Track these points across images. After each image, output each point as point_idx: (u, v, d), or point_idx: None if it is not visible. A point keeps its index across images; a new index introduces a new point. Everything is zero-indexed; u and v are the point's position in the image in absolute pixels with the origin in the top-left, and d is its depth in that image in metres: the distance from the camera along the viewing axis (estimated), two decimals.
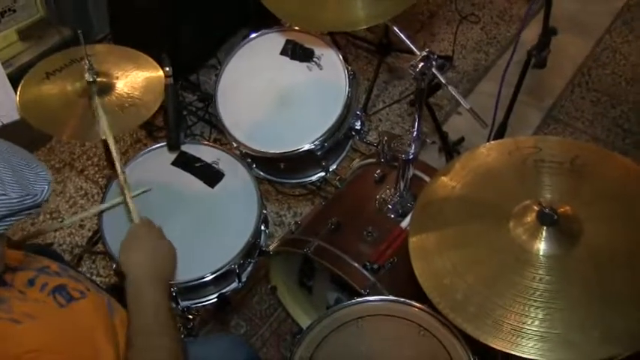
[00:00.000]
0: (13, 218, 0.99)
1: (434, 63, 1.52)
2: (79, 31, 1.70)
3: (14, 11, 2.93)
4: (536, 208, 1.34)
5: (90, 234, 2.56)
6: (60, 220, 2.67)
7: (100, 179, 2.79)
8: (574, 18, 3.60)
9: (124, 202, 1.63)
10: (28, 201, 0.99)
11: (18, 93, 1.74)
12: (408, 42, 1.59)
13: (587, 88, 3.23)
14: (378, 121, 2.96)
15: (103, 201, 1.76)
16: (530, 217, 1.34)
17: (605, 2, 3.72)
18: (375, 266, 1.71)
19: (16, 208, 0.98)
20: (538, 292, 1.27)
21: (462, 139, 2.73)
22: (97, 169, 2.83)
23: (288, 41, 1.85)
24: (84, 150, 2.91)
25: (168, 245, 1.46)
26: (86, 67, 1.73)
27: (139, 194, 1.69)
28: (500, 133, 2.16)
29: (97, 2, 3.12)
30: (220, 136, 2.68)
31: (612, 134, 3.01)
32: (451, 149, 2.65)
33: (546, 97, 3.17)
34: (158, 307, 1.30)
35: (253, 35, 1.93)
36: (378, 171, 1.94)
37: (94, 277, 2.47)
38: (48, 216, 2.69)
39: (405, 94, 3.07)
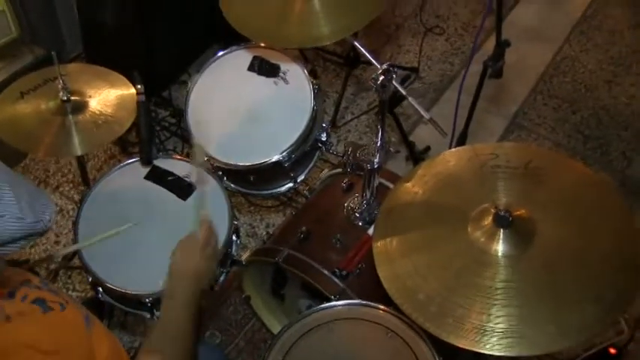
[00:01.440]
0: (24, 241, 1.04)
1: (394, 76, 1.58)
2: (52, 52, 1.75)
3: None
4: (492, 211, 1.41)
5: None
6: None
7: (75, 195, 2.82)
8: (535, 28, 3.72)
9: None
10: (39, 226, 1.04)
11: None
12: (369, 56, 1.66)
13: (549, 96, 3.33)
14: (347, 132, 3.03)
15: (77, 217, 1.80)
16: (487, 220, 1.41)
17: (563, 13, 3.85)
18: (344, 273, 1.78)
19: (29, 232, 1.03)
20: (497, 292, 1.34)
21: (428, 148, 2.82)
22: (71, 185, 2.86)
23: (255, 57, 1.92)
24: (58, 167, 2.94)
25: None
26: (60, 86, 1.79)
27: (122, 230, 1.74)
28: (461, 141, 2.24)
29: (70, 21, 3.14)
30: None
31: (573, 139, 3.12)
32: (417, 158, 2.72)
33: (510, 104, 3.27)
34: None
35: (221, 53, 1.99)
36: (346, 180, 2.00)
37: (70, 292, 2.50)
38: None
39: (373, 105, 3.14)
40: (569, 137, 3.13)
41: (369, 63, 3.19)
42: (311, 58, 3.25)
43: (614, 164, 3.02)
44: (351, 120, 3.07)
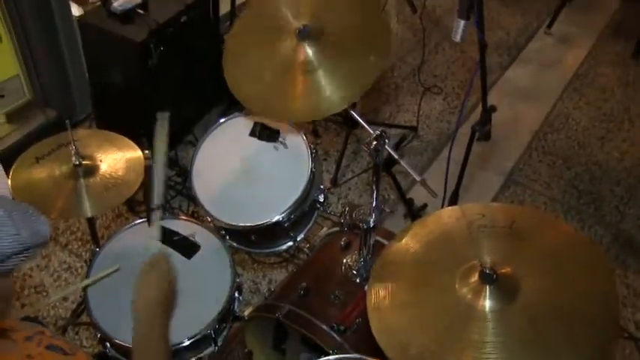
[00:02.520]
0: (26, 253, 1.13)
1: (387, 141, 1.69)
2: (66, 120, 1.87)
3: (3, 96, 3.09)
4: (478, 268, 1.49)
5: (73, 306, 2.66)
6: (45, 294, 2.77)
7: (83, 253, 2.91)
8: (529, 87, 3.86)
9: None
10: (38, 240, 1.14)
11: (10, 176, 1.90)
12: (364, 124, 1.79)
13: (544, 152, 3.44)
14: (348, 189, 3.13)
15: (88, 275, 1.89)
16: (474, 277, 1.49)
17: (556, 72, 4.00)
18: (342, 327, 1.85)
19: (28, 244, 1.12)
20: (485, 346, 1.40)
21: (425, 206, 2.91)
22: (80, 243, 2.95)
23: (256, 123, 2.04)
24: (67, 225, 3.03)
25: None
26: (73, 151, 1.90)
27: (109, 274, 1.84)
28: (453, 200, 2.34)
29: (80, 84, 3.29)
30: (197, 208, 2.83)
31: (568, 195, 3.21)
32: (415, 215, 2.82)
33: (506, 161, 3.38)
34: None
35: (224, 119, 2.11)
36: (344, 239, 2.09)
37: None
38: (33, 290, 2.79)
39: (373, 163, 3.24)
40: (563, 192, 3.22)
41: (367, 122, 3.37)
42: None
43: (607, 219, 3.10)
44: (352, 178, 3.18)
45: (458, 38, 1.73)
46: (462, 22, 1.71)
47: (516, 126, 3.58)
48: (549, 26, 4.32)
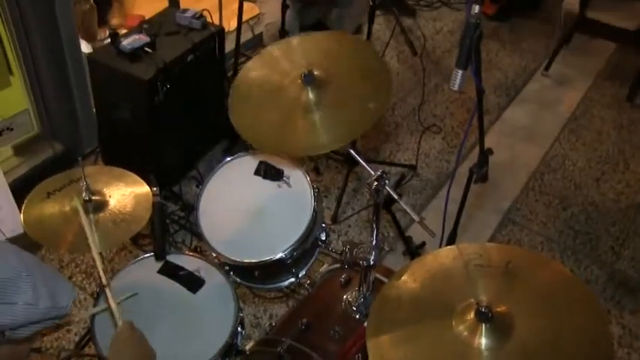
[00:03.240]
0: (38, 325, 1.16)
1: (387, 182, 1.75)
2: (79, 158, 1.94)
3: (12, 130, 3.16)
4: (475, 307, 1.55)
5: (77, 338, 2.70)
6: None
7: (87, 286, 2.95)
8: (527, 128, 3.94)
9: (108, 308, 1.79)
10: (54, 312, 1.16)
11: (22, 211, 1.95)
12: (364, 164, 1.85)
13: (541, 192, 3.50)
14: (348, 227, 3.19)
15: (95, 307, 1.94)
16: (470, 316, 1.54)
17: (554, 113, 4.08)
18: None
19: (41, 317, 1.14)
20: None
21: (423, 244, 2.96)
22: (84, 275, 3.00)
23: (260, 162, 2.11)
24: (72, 258, 3.07)
25: (149, 349, 1.62)
26: (83, 187, 1.96)
27: (126, 298, 1.89)
28: (451, 240, 2.39)
29: (87, 119, 3.36)
30: (201, 242, 2.88)
31: (564, 235, 3.26)
32: (414, 253, 2.87)
33: (503, 201, 3.44)
34: None
35: (229, 158, 2.19)
36: (344, 275, 2.14)
37: None
38: None
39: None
40: (560, 232, 3.28)
41: (370, 161, 3.45)
42: (315, 156, 3.45)
43: (603, 258, 3.15)
44: (352, 215, 3.23)
45: (456, 87, 1.80)
46: (460, 72, 1.78)
47: (514, 166, 3.65)
48: (547, 68, 4.42)
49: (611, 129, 3.97)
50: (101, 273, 1.78)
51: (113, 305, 1.76)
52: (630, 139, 3.89)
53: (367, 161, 3.33)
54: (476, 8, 1.66)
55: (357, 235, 3.13)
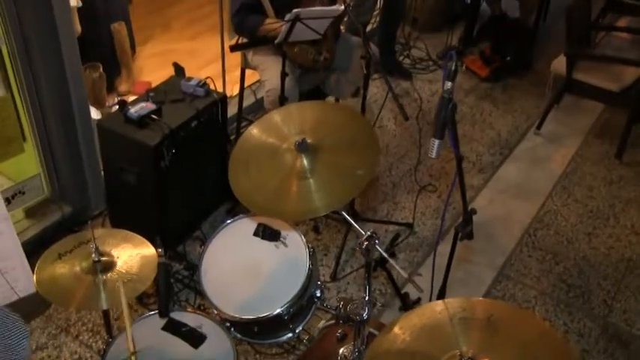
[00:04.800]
0: None
1: (377, 241, 1.88)
2: (88, 221, 2.07)
3: (23, 193, 3.30)
4: (458, 358, 1.65)
5: None
6: None
7: (93, 344, 3.04)
8: (520, 185, 4.07)
9: None
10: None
11: (35, 271, 2.08)
12: (356, 225, 1.97)
13: (534, 247, 3.60)
14: (347, 284, 3.28)
15: None
16: None
17: (546, 170, 4.22)
18: None
19: None
20: None
21: (419, 299, 3.05)
22: (91, 334, 3.08)
23: (259, 224, 2.24)
24: (79, 317, 3.16)
25: None
26: (93, 249, 2.09)
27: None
28: (441, 294, 2.50)
29: (96, 183, 3.49)
30: (204, 301, 2.99)
31: (557, 289, 3.35)
32: (409, 308, 2.96)
33: (498, 256, 3.53)
34: None
35: (230, 221, 2.32)
36: (340, 331, 2.24)
37: None
38: None
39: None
40: (553, 286, 3.36)
41: (367, 220, 3.58)
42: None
43: (595, 312, 3.23)
44: (350, 273, 3.32)
45: (434, 155, 1.94)
46: (437, 142, 1.92)
47: (508, 222, 3.77)
48: (539, 127, 4.58)
49: (601, 185, 4.09)
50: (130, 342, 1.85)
51: None
52: (620, 195, 4.01)
53: (365, 220, 3.54)
54: (448, 84, 1.81)
55: (356, 291, 3.22)
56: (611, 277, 3.43)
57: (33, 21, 2.88)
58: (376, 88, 4.71)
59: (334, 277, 3.26)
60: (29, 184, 3.31)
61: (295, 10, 2.91)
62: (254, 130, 2.23)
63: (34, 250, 2.48)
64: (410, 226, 3.64)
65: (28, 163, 3.28)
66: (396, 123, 4.46)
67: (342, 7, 3.15)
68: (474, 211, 2.20)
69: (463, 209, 2.17)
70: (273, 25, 3.24)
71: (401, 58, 5.34)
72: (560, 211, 3.87)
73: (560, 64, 4.37)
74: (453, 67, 1.78)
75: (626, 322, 3.18)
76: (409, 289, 3.14)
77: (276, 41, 3.09)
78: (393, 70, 5.04)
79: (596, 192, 4.04)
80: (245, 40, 3.47)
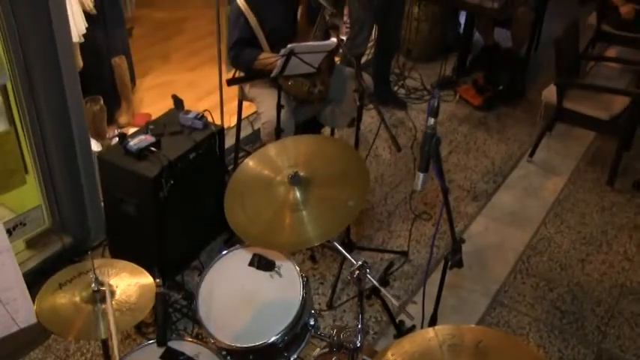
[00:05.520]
0: None
1: (368, 270, 1.94)
2: (89, 252, 2.13)
3: (24, 224, 3.37)
4: None
5: None
6: None
7: None
8: (514, 213, 4.13)
9: None
10: None
11: (35, 302, 2.13)
12: (345, 253, 2.04)
13: (527, 274, 3.66)
14: (343, 312, 3.32)
15: None
16: None
17: (539, 197, 4.28)
18: None
19: None
20: None
21: (413, 327, 3.09)
22: None
23: (254, 255, 2.31)
24: (78, 347, 3.19)
25: None
26: (92, 278, 2.14)
27: None
28: (432, 322, 2.55)
29: (96, 214, 3.54)
30: (201, 330, 3.02)
31: (551, 315, 3.39)
32: (404, 336, 3.00)
33: (492, 283, 3.58)
34: None
35: (225, 252, 2.39)
36: (334, 358, 2.29)
37: None
38: None
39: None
40: (547, 313, 3.41)
41: (363, 248, 3.64)
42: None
43: (589, 338, 3.27)
44: (347, 301, 3.37)
45: (419, 187, 2.01)
46: (422, 175, 1.99)
47: (502, 249, 3.82)
48: (531, 155, 4.66)
49: (594, 212, 4.16)
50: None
51: None
52: (612, 221, 4.07)
53: (360, 249, 3.59)
54: (431, 120, 1.88)
55: (352, 319, 3.26)
56: (604, 303, 3.48)
57: (37, 57, 2.97)
58: (371, 118, 4.80)
59: (330, 306, 3.31)
60: (30, 216, 3.37)
61: (290, 45, 3.00)
62: (250, 163, 2.30)
63: (34, 280, 2.54)
64: (405, 254, 3.69)
65: (29, 194, 3.34)
66: (390, 152, 4.54)
67: (336, 40, 3.23)
68: (462, 240, 2.27)
69: (452, 238, 2.23)
70: (268, 59, 3.33)
71: (396, 88, 5.44)
72: (554, 238, 3.93)
73: (550, 93, 4.46)
74: (436, 104, 1.85)
75: (620, 348, 3.22)
76: (405, 317, 3.18)
77: (271, 75, 3.18)
78: (388, 100, 5.14)
79: (588, 219, 4.10)
80: (242, 74, 3.57)
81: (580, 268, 3.71)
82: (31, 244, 3.44)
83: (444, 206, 2.11)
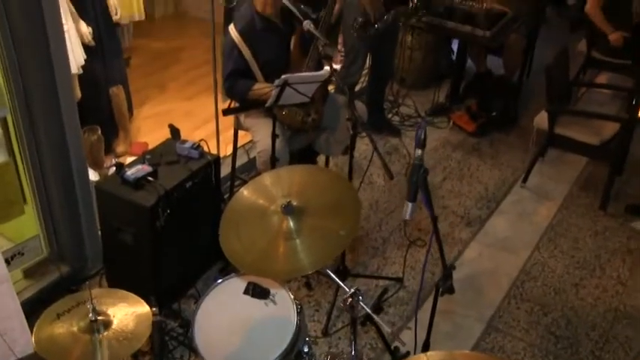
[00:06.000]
0: None
1: (360, 298, 1.98)
2: (86, 282, 2.17)
3: (22, 254, 3.39)
4: None
5: None
6: None
7: None
8: (508, 238, 4.17)
9: None
10: None
11: (34, 332, 2.16)
12: (338, 280, 2.08)
13: (522, 299, 3.69)
14: (338, 339, 3.33)
15: None
16: None
17: (532, 223, 4.33)
18: None
19: None
20: None
21: (407, 353, 3.11)
22: None
23: (249, 283, 2.34)
24: None
25: None
26: (90, 308, 2.18)
27: None
28: (425, 348, 2.58)
29: (93, 243, 3.57)
30: (197, 358, 3.04)
31: (545, 340, 3.42)
32: None
33: (486, 309, 3.61)
34: None
35: (221, 280, 2.43)
36: None
37: None
38: None
39: (361, 314, 3.50)
40: (541, 338, 3.43)
41: (358, 275, 3.68)
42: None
43: None
44: (342, 328, 3.39)
45: (407, 217, 2.06)
46: (410, 204, 2.04)
47: (496, 275, 3.86)
48: (524, 180, 4.71)
49: (587, 236, 4.20)
50: None
51: None
52: (605, 246, 4.12)
53: (355, 276, 3.63)
54: (419, 152, 1.94)
55: (347, 346, 3.27)
56: (599, 327, 3.50)
57: (36, 90, 3.03)
58: (366, 145, 4.86)
59: (326, 333, 3.33)
60: (28, 245, 3.40)
61: (284, 76, 3.07)
62: (245, 192, 2.36)
63: (32, 309, 2.58)
64: (400, 280, 3.72)
65: (27, 224, 3.37)
66: (385, 179, 4.59)
67: (329, 70, 3.30)
68: (453, 267, 2.31)
69: (442, 265, 2.28)
70: (262, 89, 3.40)
71: (390, 115, 5.52)
72: (547, 263, 3.97)
73: (542, 119, 4.53)
74: (423, 136, 1.91)
75: None
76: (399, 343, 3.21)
77: (266, 105, 3.24)
78: (382, 127, 5.21)
79: (582, 243, 4.14)
80: (237, 104, 3.63)
81: (574, 292, 3.74)
82: (28, 273, 3.46)
83: (434, 233, 2.15)
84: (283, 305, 2.32)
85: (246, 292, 2.31)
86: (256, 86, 3.50)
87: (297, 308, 2.28)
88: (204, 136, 3.56)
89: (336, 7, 3.66)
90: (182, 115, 5.20)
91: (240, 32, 3.48)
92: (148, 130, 4.98)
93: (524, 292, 3.74)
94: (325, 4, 3.58)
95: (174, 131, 3.56)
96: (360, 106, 3.70)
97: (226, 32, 3.62)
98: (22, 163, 3.21)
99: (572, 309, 3.62)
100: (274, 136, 3.31)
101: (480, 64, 5.79)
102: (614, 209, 4.47)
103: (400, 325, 3.43)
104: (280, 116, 3.47)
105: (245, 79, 3.53)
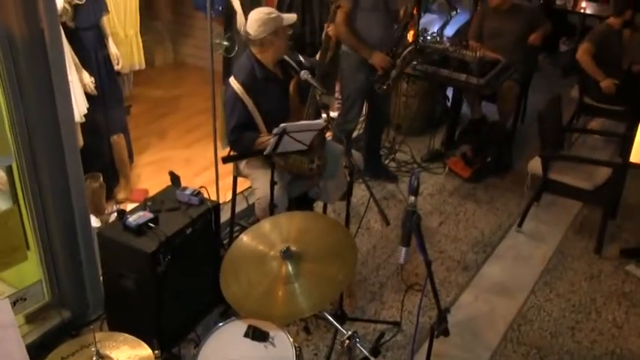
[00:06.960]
0: None
1: (357, 340, 2.03)
2: (92, 327, 2.22)
3: (25, 300, 3.43)
4: None
5: None
6: None
7: None
8: (504, 282, 4.22)
9: None
10: None
11: None
12: (336, 323, 2.13)
13: (518, 343, 3.71)
14: None
15: None
16: None
17: (528, 266, 4.38)
18: None
19: None
20: None
21: None
22: None
23: (249, 326, 2.39)
24: None
25: None
26: (94, 352, 2.22)
27: None
28: None
29: (94, 289, 3.62)
30: None
31: None
32: None
33: (483, 352, 3.63)
34: None
35: (221, 324, 2.48)
36: None
37: None
38: None
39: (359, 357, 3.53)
40: None
41: (356, 319, 3.71)
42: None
43: None
44: None
45: (401, 261, 2.12)
46: (404, 249, 2.11)
47: (492, 318, 3.89)
48: (520, 225, 4.78)
49: (582, 280, 4.25)
50: None
51: None
52: (601, 289, 4.16)
53: (353, 320, 3.66)
54: (412, 199, 2.01)
55: None
56: None
57: (41, 139, 3.11)
58: (363, 191, 4.92)
59: None
60: (31, 291, 3.44)
61: (282, 125, 3.16)
62: (244, 238, 2.42)
63: (34, 355, 2.61)
64: (397, 324, 3.76)
65: (30, 270, 3.42)
66: (382, 225, 4.66)
67: (326, 118, 3.39)
68: (447, 310, 2.36)
69: (437, 308, 2.33)
70: (265, 140, 3.47)
71: (387, 161, 5.61)
72: (543, 306, 4.00)
73: (536, 164, 4.61)
74: (416, 184, 1.99)
75: None
76: None
77: (265, 152, 3.32)
78: (379, 173, 5.29)
79: (577, 286, 4.19)
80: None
81: (570, 335, 3.77)
82: (30, 318, 3.49)
83: (428, 278, 2.21)
84: (282, 348, 2.36)
85: (246, 335, 2.36)
86: (259, 140, 3.57)
87: (296, 351, 2.32)
88: (203, 182, 3.63)
89: (329, 54, 3.77)
90: (181, 162, 5.29)
91: (242, 83, 3.57)
92: (148, 177, 5.05)
93: (521, 336, 3.77)
94: (316, 48, 3.68)
95: (175, 178, 3.63)
96: (357, 155, 3.79)
97: (226, 84, 3.70)
98: (26, 210, 3.27)
99: (569, 352, 3.65)
100: (272, 184, 3.38)
101: (475, 111, 5.90)
102: (608, 252, 4.53)
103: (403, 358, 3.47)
104: (285, 164, 3.55)
105: (249, 131, 3.60)
